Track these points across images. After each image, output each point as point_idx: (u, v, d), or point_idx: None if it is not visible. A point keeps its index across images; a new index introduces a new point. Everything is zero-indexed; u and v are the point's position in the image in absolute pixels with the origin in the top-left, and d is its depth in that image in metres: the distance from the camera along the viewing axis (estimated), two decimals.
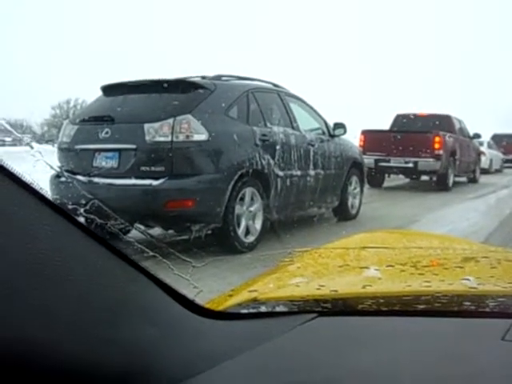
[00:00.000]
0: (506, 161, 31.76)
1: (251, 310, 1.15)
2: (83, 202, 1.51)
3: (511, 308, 1.14)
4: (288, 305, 1.17)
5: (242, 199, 7.12)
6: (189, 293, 1.03)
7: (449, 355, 0.97)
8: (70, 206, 1.05)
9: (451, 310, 1.14)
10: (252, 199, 7.29)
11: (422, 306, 1.14)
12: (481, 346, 0.99)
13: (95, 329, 0.81)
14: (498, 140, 32.72)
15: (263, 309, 1.16)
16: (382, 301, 1.18)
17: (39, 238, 0.74)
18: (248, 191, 7.21)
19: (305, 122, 8.96)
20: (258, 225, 7.36)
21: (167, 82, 7.23)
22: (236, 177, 6.91)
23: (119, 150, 6.70)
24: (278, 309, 1.16)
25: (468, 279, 1.33)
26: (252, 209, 7.28)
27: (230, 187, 6.82)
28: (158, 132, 6.54)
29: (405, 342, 1.02)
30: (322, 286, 1.28)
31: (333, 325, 1.09)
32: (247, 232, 7.20)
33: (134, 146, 6.60)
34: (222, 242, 6.98)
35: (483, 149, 24.73)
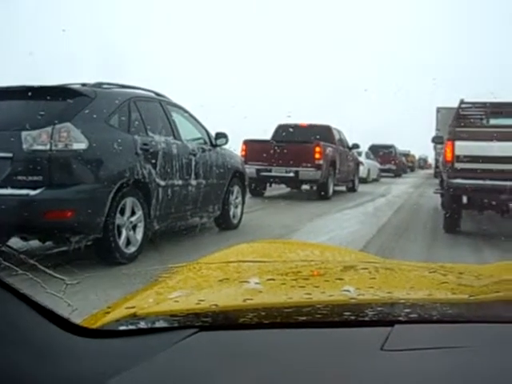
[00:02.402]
0: (383, 170, 33.02)
1: (130, 327, 1.12)
2: None
3: (389, 316, 1.16)
4: (168, 320, 1.15)
5: (123, 209, 7.03)
6: (62, 310, 0.98)
7: (330, 366, 0.97)
8: None
9: (332, 321, 1.14)
10: (133, 209, 7.22)
11: (303, 318, 1.13)
12: (361, 356, 0.99)
13: None
14: (375, 150, 33.86)
15: (142, 325, 1.13)
16: (263, 313, 1.17)
17: None
18: (129, 201, 7.13)
19: (187, 131, 8.97)
20: (139, 235, 7.30)
21: (46, 88, 7.05)
22: (116, 186, 6.81)
23: None
24: (157, 324, 1.13)
25: (348, 290, 1.34)
26: (133, 219, 7.21)
27: (111, 197, 6.72)
28: (35, 140, 6.33)
29: (287, 354, 1.01)
30: (202, 300, 1.26)
31: (214, 339, 1.08)
32: (128, 243, 7.12)
33: (10, 155, 6.34)
34: (103, 253, 6.87)
35: (361, 159, 25.47)
